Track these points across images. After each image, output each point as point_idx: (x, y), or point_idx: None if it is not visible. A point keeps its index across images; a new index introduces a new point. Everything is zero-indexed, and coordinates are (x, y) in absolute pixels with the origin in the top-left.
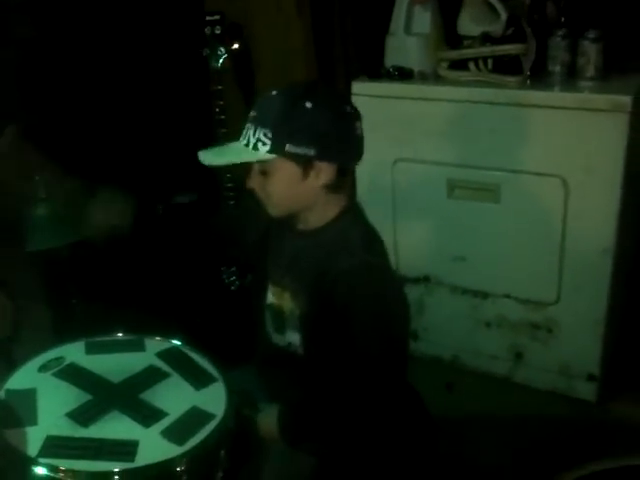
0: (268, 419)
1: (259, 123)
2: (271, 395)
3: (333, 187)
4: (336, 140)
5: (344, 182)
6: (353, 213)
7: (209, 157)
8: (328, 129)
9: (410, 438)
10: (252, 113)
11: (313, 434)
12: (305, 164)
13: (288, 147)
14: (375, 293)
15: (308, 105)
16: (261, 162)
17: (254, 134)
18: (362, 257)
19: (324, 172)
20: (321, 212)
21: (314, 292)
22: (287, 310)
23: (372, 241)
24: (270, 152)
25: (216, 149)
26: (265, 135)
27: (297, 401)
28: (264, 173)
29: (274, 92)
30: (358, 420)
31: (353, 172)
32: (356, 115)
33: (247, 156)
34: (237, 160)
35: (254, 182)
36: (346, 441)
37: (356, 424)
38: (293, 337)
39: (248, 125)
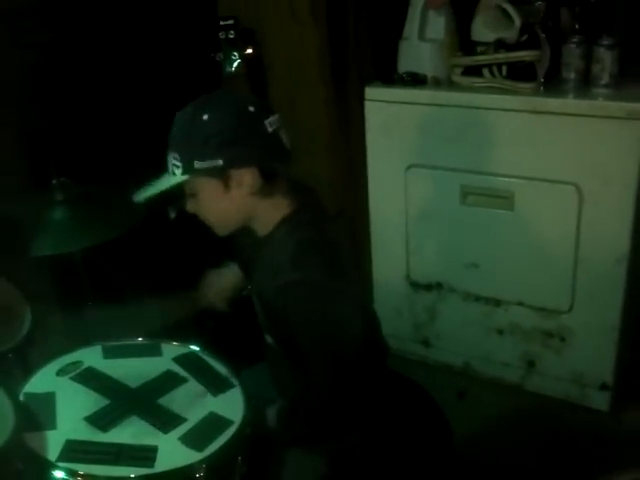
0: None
1: (170, 148)
2: (279, 391)
3: (263, 192)
4: (242, 144)
5: (274, 185)
6: (290, 224)
7: (140, 193)
8: (230, 135)
9: (424, 440)
10: (168, 137)
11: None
12: (221, 176)
13: (196, 164)
14: (304, 309)
15: (205, 117)
16: (186, 184)
17: (170, 160)
18: (288, 276)
19: (245, 179)
20: (264, 219)
21: (263, 303)
22: (259, 315)
23: (304, 255)
24: (184, 174)
25: (153, 183)
26: (175, 158)
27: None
28: (193, 195)
29: (178, 114)
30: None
31: (285, 174)
32: (263, 113)
33: (167, 182)
34: (158, 189)
35: (190, 206)
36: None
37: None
38: (268, 338)
39: (167, 150)
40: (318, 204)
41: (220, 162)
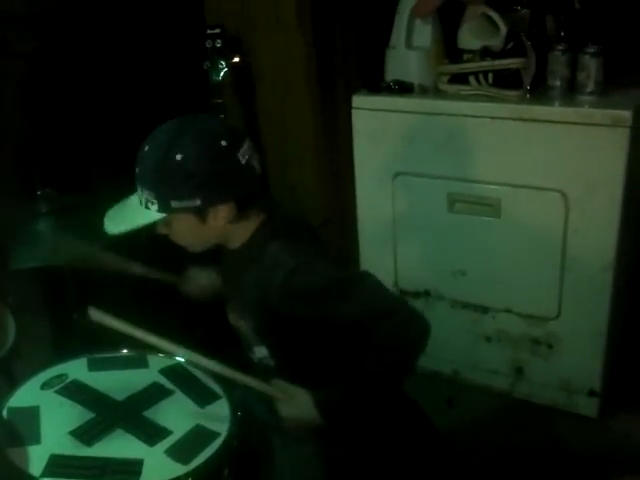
0: (297, 406)
1: (142, 183)
2: (268, 406)
3: (238, 218)
4: (218, 181)
5: (249, 210)
6: (271, 227)
7: (109, 222)
8: (206, 175)
9: (413, 447)
10: (136, 169)
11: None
12: (198, 212)
13: (173, 204)
14: (318, 281)
15: (178, 157)
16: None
17: (142, 193)
18: (288, 264)
19: (221, 212)
20: (235, 237)
21: (260, 310)
22: (245, 330)
23: (295, 245)
24: (159, 211)
25: (118, 208)
26: (149, 195)
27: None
28: (167, 224)
29: (146, 147)
30: (417, 338)
31: (260, 196)
32: (235, 145)
33: (143, 218)
34: (135, 225)
35: (162, 230)
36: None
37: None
38: (261, 351)
39: (136, 183)
40: (288, 212)
41: (198, 202)
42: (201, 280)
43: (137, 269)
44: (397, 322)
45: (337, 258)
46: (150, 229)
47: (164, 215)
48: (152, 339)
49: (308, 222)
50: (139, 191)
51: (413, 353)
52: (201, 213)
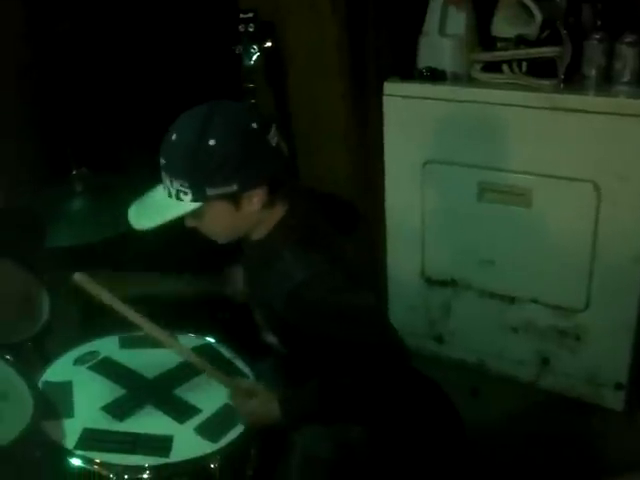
0: (260, 403)
1: (172, 174)
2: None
3: (270, 203)
4: (253, 165)
5: (279, 193)
6: (284, 229)
7: (138, 218)
8: (241, 159)
9: (436, 437)
10: (162, 160)
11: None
12: (234, 199)
13: (209, 191)
14: (323, 298)
15: (212, 143)
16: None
17: (172, 184)
18: (296, 277)
19: (256, 196)
20: (261, 226)
21: (269, 309)
22: (258, 318)
23: (304, 254)
24: (194, 200)
25: (142, 203)
26: (182, 185)
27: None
28: (197, 216)
29: (173, 136)
30: (372, 384)
31: (287, 181)
32: (265, 127)
33: (175, 210)
34: (167, 218)
35: (191, 223)
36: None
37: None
38: (272, 339)
39: (163, 174)
40: (311, 203)
41: (234, 187)
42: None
43: (185, 288)
44: (374, 357)
45: (354, 259)
46: (178, 222)
47: (198, 205)
48: (131, 314)
49: (327, 198)
50: (167, 182)
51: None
52: (236, 199)
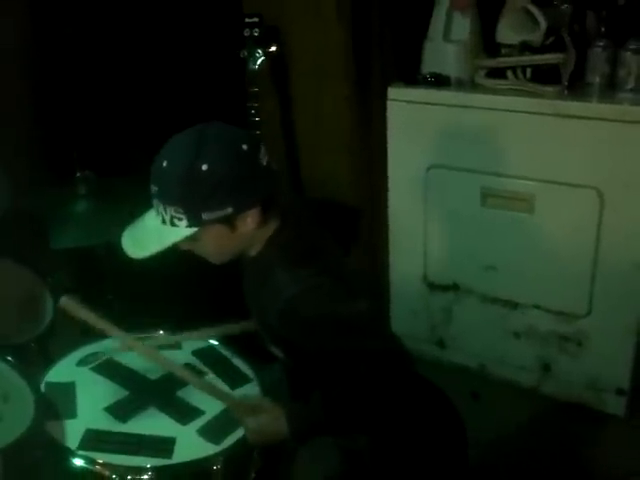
0: (267, 418)
1: (166, 200)
2: (292, 394)
3: (264, 221)
4: (247, 186)
5: (272, 210)
6: (276, 243)
7: (133, 246)
8: (235, 182)
9: (439, 442)
10: (153, 188)
11: (329, 425)
12: (229, 221)
13: (205, 216)
14: (314, 312)
15: (204, 168)
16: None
17: (165, 211)
18: (287, 292)
19: (250, 217)
20: (257, 242)
21: (268, 324)
22: (261, 333)
23: (297, 268)
24: (189, 226)
25: (135, 230)
26: (177, 211)
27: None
28: (193, 239)
29: (164, 163)
30: (375, 392)
31: (278, 196)
32: (255, 148)
33: (170, 236)
34: (164, 245)
35: (186, 247)
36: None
37: (374, 397)
38: (277, 351)
39: (155, 201)
40: (304, 215)
41: (229, 210)
42: None
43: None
44: (380, 355)
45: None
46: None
47: (193, 231)
48: (122, 336)
49: (329, 205)
50: (160, 209)
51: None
52: (231, 221)
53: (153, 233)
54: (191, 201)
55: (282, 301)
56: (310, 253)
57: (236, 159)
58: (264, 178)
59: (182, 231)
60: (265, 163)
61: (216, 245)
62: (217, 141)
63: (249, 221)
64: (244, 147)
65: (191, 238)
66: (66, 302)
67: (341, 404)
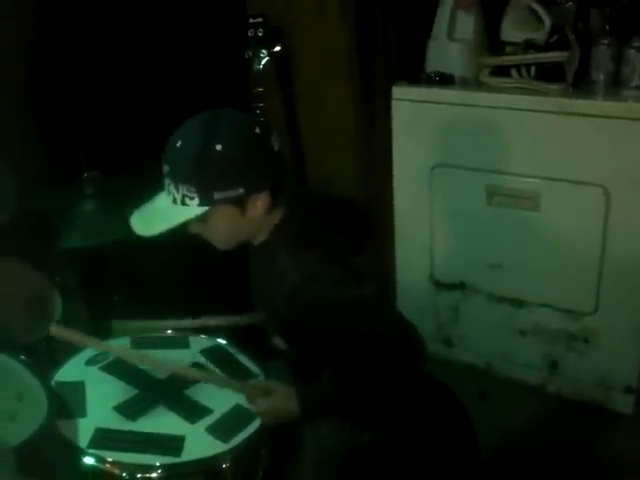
0: (278, 399)
1: (178, 179)
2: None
3: (272, 207)
4: (258, 168)
5: (280, 197)
6: (282, 231)
7: (140, 224)
8: (247, 163)
9: (448, 440)
10: (165, 167)
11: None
12: (240, 202)
13: (217, 195)
14: (322, 294)
15: (218, 147)
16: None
17: (177, 190)
18: (292, 277)
19: (260, 200)
20: (264, 229)
21: (274, 312)
22: (266, 323)
23: (301, 254)
24: (201, 205)
25: (145, 211)
26: (189, 190)
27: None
28: (202, 220)
29: (178, 142)
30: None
31: (284, 183)
32: (267, 132)
33: (181, 215)
34: (174, 223)
35: (195, 228)
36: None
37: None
38: (281, 343)
39: (167, 181)
40: (312, 206)
41: (241, 190)
42: None
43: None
44: (390, 340)
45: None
46: (182, 229)
47: (204, 210)
48: (120, 352)
49: (335, 204)
50: (172, 189)
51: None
52: (242, 203)
53: (162, 213)
54: (204, 180)
55: (289, 285)
56: (316, 240)
57: (249, 141)
58: (275, 162)
59: (193, 210)
60: (277, 148)
61: (225, 228)
62: (230, 123)
63: (259, 205)
64: (257, 130)
65: (201, 218)
66: (56, 330)
67: (351, 384)
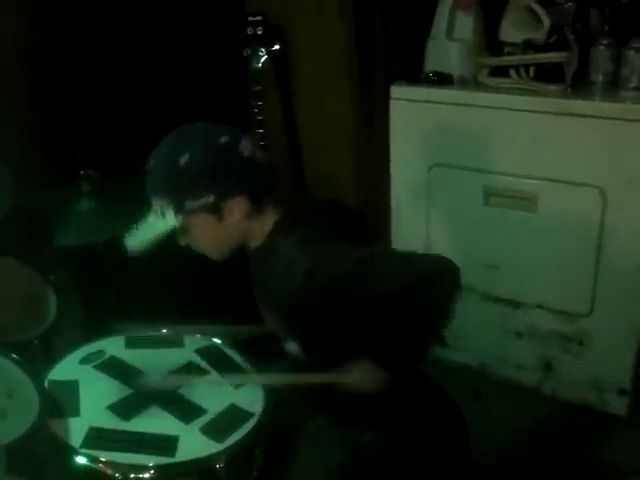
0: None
1: (155, 194)
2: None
3: (254, 212)
4: (228, 175)
5: (263, 203)
6: (283, 229)
7: (132, 239)
8: (214, 171)
9: (442, 439)
10: (146, 187)
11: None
12: (214, 210)
13: (188, 205)
14: (338, 272)
15: (184, 160)
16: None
17: (157, 205)
18: (302, 265)
19: (236, 206)
20: (256, 234)
21: (287, 310)
22: (276, 326)
23: (308, 245)
24: (177, 214)
25: (139, 228)
26: (164, 202)
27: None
28: (186, 231)
29: (152, 162)
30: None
31: (272, 188)
32: (234, 140)
33: (161, 226)
34: (154, 233)
35: (183, 240)
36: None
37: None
38: (292, 346)
39: (150, 198)
40: (306, 204)
41: (212, 197)
42: None
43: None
44: (427, 281)
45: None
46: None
47: (181, 220)
48: None
49: (333, 205)
50: (154, 205)
51: (444, 300)
52: (216, 210)
53: (149, 226)
54: (174, 191)
55: (301, 272)
56: (317, 232)
57: (214, 150)
58: (247, 169)
59: (170, 220)
60: (247, 154)
61: (207, 235)
62: (196, 135)
63: (236, 211)
64: (222, 140)
65: (183, 230)
66: None
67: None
